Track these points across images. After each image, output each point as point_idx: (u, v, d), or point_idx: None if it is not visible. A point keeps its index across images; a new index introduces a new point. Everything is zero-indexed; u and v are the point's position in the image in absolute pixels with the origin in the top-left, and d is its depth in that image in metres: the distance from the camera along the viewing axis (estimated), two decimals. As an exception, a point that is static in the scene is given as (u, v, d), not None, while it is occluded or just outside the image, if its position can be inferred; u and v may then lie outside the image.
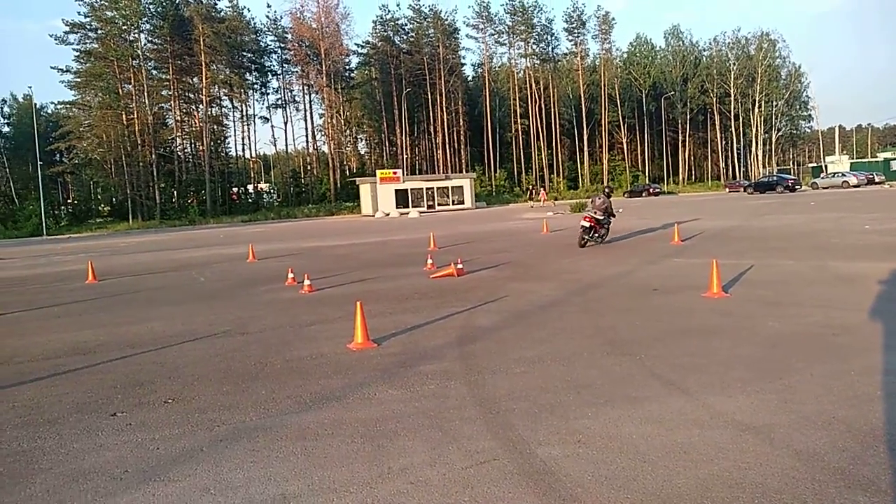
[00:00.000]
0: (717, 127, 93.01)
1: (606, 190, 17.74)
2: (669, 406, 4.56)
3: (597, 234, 16.67)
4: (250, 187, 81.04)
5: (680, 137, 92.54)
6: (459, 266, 12.45)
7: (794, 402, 4.50)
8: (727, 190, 68.24)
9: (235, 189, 74.72)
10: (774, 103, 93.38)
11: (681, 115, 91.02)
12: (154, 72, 67.06)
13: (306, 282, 11.38)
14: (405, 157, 77.59)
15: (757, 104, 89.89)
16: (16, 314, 10.73)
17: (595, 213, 16.61)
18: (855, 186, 52.18)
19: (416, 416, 4.62)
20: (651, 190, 66.47)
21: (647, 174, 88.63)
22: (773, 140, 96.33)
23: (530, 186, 59.15)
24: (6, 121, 70.71)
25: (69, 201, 74.55)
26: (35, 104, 63.39)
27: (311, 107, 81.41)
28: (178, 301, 11.23)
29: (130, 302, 11.51)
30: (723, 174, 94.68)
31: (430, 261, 13.81)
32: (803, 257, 12.27)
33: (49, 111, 76.84)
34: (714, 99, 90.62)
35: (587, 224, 16.43)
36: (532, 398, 4.88)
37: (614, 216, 17.46)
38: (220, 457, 4.03)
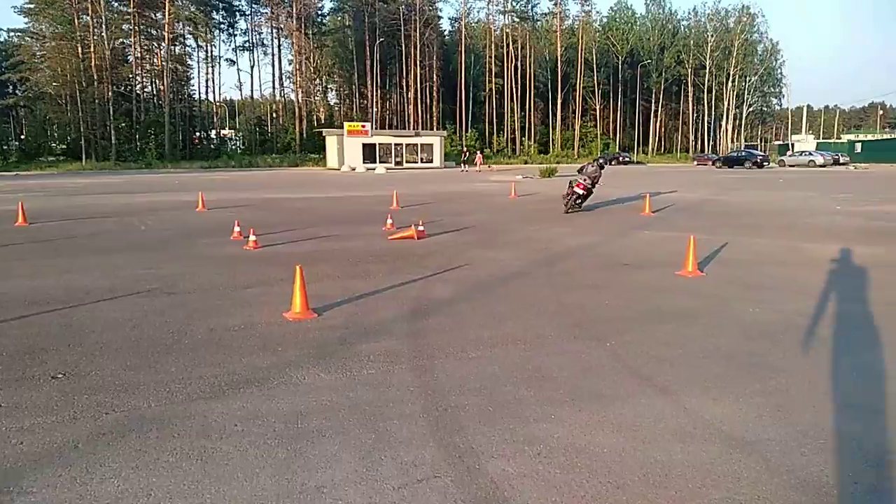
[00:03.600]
0: (690, 99, 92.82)
1: (601, 160, 17.81)
2: (645, 409, 3.91)
3: (580, 201, 16.50)
4: (214, 133, 78.31)
5: (652, 108, 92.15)
6: (420, 228, 11.67)
7: (788, 409, 3.89)
8: (695, 163, 68.26)
9: (198, 134, 72.03)
10: (748, 78, 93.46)
11: (655, 84, 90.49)
12: (114, 3, 63.47)
13: (251, 237, 10.48)
14: (375, 111, 75.65)
15: (731, 78, 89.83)
16: (-78, 257, 9.64)
17: (586, 180, 16.28)
18: (821, 166, 52.54)
19: (348, 410, 3.89)
20: (621, 159, 66.15)
21: (617, 143, 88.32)
22: (744, 115, 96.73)
23: (465, 149, 55.44)
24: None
25: (21, 137, 70.99)
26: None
27: (279, 51, 78.62)
28: (108, 250, 10.24)
29: (55, 249, 10.47)
30: (691, 147, 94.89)
31: (389, 220, 12.99)
32: (776, 236, 11.79)
33: (2, 38, 72.69)
34: (689, 70, 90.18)
35: (581, 192, 16.19)
36: (487, 391, 4.19)
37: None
38: (97, 458, 3.25)
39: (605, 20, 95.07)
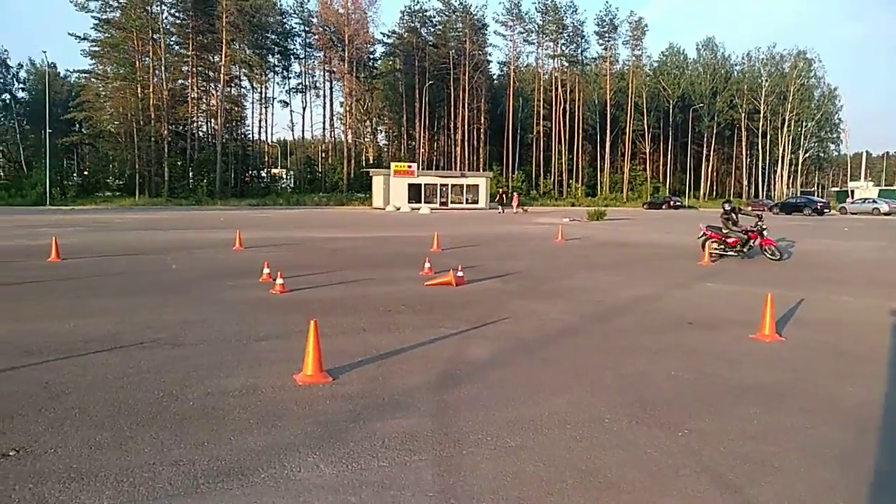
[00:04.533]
0: (744, 143, 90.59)
1: (726, 206, 16.46)
2: (741, 542, 2.89)
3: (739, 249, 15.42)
4: (265, 172, 79.68)
5: (704, 151, 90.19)
6: (459, 274, 10.82)
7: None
8: (750, 208, 65.86)
9: (249, 173, 73.35)
10: (805, 123, 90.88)
11: (707, 128, 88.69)
12: (175, 47, 65.80)
13: (279, 280, 9.78)
14: (422, 151, 76.00)
15: (786, 123, 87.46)
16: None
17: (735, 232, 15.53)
18: (886, 214, 49.90)
19: (344, 525, 2.99)
20: (671, 202, 64.35)
21: (667, 186, 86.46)
22: (800, 161, 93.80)
23: (501, 191, 52.53)
24: (21, 85, 69.47)
25: (84, 173, 73.48)
26: (48, 69, 62.11)
27: (331, 93, 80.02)
28: (129, 291, 9.67)
29: (76, 289, 9.97)
30: (745, 192, 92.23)
31: (427, 265, 12.17)
32: (858, 292, 10.50)
33: (71, 80, 75.90)
34: (742, 114, 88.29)
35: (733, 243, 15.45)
36: (528, 502, 3.24)
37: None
38: None
39: (655, 64, 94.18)
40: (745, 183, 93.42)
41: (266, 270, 10.98)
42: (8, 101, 66.05)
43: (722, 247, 15.41)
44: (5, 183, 58.16)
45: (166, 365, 5.64)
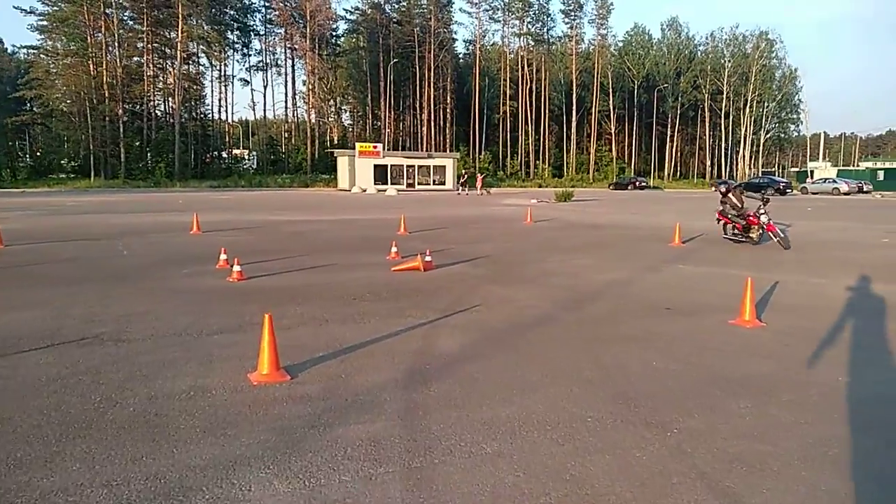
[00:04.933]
0: (707, 124, 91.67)
1: (724, 186, 15.08)
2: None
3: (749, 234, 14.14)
4: (226, 153, 77.84)
5: (668, 132, 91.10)
6: (427, 258, 10.40)
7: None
8: (713, 189, 66.59)
9: (210, 154, 71.53)
10: (766, 104, 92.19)
11: (671, 109, 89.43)
12: (129, 21, 63.45)
13: (236, 267, 9.24)
14: (388, 132, 75.03)
15: (748, 104, 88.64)
16: None
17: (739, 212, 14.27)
18: (846, 194, 50.98)
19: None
20: (637, 183, 64.73)
21: (632, 167, 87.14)
22: (762, 141, 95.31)
23: (464, 172, 51.45)
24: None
25: (35, 154, 70.67)
26: (-5, 46, 59.36)
27: (293, 72, 78.42)
28: (74, 280, 9.03)
29: (15, 278, 9.29)
30: (708, 172, 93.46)
31: (394, 249, 11.72)
32: (832, 274, 10.39)
33: (20, 56, 72.70)
34: (706, 95, 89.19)
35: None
36: (508, 522, 2.87)
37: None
38: None
39: (620, 44, 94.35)
40: (709, 163, 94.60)
41: (223, 256, 10.42)
42: (-49, 79, 62.90)
43: (735, 231, 14.48)
44: (-49, 165, 55.69)
45: (107, 364, 5.13)
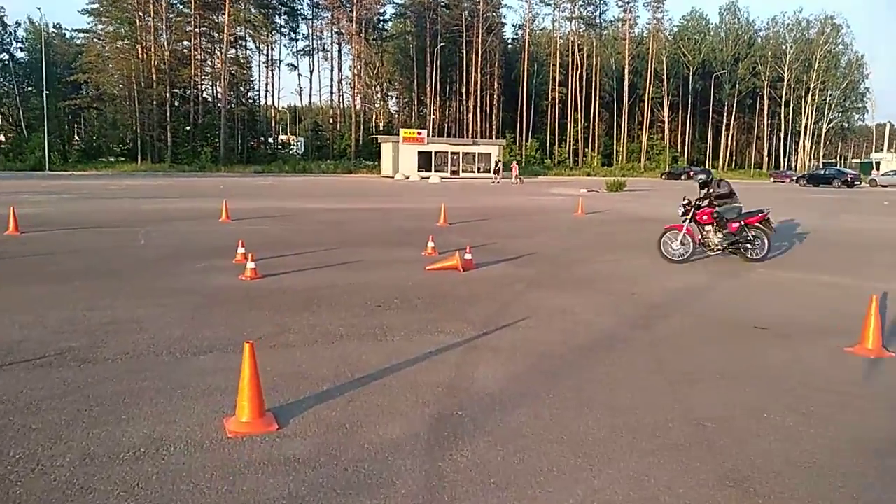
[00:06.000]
0: (765, 112, 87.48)
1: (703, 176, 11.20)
2: None
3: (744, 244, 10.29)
4: (280, 137, 77.74)
5: (724, 120, 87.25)
6: (467, 256, 9.15)
7: None
8: (772, 179, 63.53)
9: (258, 139, 71.44)
10: (829, 92, 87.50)
11: (728, 96, 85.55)
12: (178, 5, 63.44)
13: (249, 264, 8.15)
14: (434, 118, 73.73)
15: (810, 91, 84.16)
16: None
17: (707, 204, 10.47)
18: (920, 187, 47.60)
19: None
20: (691, 173, 61.94)
21: (686, 156, 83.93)
22: (823, 131, 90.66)
23: (499, 159, 48.98)
24: (20, 45, 67.15)
25: (87, 138, 71.72)
26: (44, 27, 60.17)
27: (339, 56, 77.78)
28: (70, 276, 8.08)
29: (11, 273, 8.40)
30: (766, 162, 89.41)
31: (431, 244, 10.49)
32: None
33: (75, 40, 73.56)
34: (765, 83, 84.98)
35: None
36: None
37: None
38: None
39: (676, 29, 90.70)
40: (766, 153, 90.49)
41: (241, 250, 9.35)
42: (7, 62, 64.02)
43: (726, 239, 10.38)
44: (5, 147, 56.73)
45: (55, 397, 4.04)
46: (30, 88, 64.83)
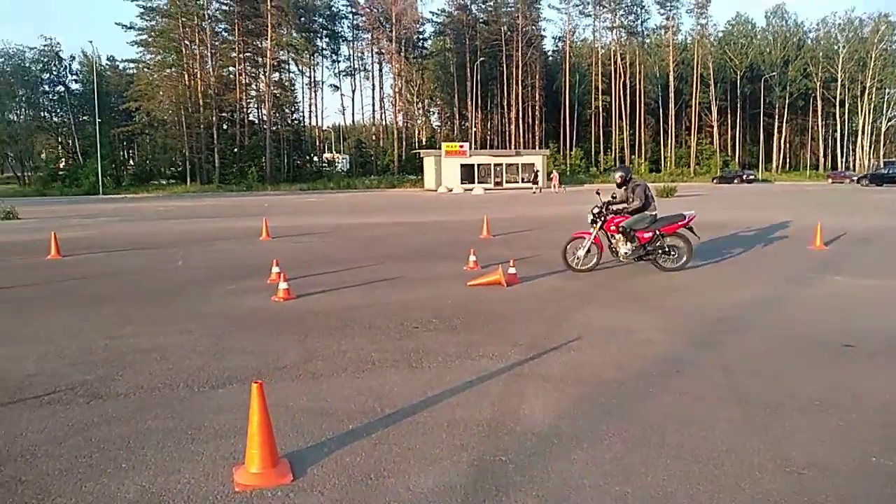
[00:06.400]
0: (819, 113, 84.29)
1: (617, 172, 9.94)
2: None
3: (624, 249, 9.43)
4: (317, 157, 78.67)
5: (776, 123, 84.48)
6: (511, 270, 8.59)
7: None
8: (829, 180, 60.94)
9: (303, 158, 72.37)
10: (888, 90, 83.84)
11: (778, 98, 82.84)
12: (223, 33, 64.96)
13: (282, 285, 7.76)
14: (475, 131, 73.38)
15: (867, 91, 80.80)
16: None
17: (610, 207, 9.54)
18: None
19: None
20: (744, 177, 59.94)
21: (737, 159, 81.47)
22: (883, 129, 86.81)
23: (536, 169, 46.82)
24: (74, 77, 69.90)
25: (139, 162, 73.81)
26: (96, 59, 62.39)
27: (381, 75, 78.32)
28: (102, 300, 7.83)
29: (37, 298, 8.19)
30: (821, 163, 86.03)
31: (472, 257, 9.96)
32: None
33: (126, 70, 76.09)
34: (817, 83, 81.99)
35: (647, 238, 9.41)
36: None
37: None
38: None
39: (721, 34, 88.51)
40: (822, 154, 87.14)
41: (276, 269, 8.99)
42: (63, 94, 66.60)
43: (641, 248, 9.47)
44: (64, 173, 58.70)
45: (54, 441, 3.65)
46: (84, 118, 67.30)
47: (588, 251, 9.37)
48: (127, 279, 9.57)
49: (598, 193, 10.08)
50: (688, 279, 8.85)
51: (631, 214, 9.38)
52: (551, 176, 45.96)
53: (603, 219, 9.37)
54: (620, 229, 9.32)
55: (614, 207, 9.49)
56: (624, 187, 9.62)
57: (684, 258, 9.44)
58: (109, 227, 19.49)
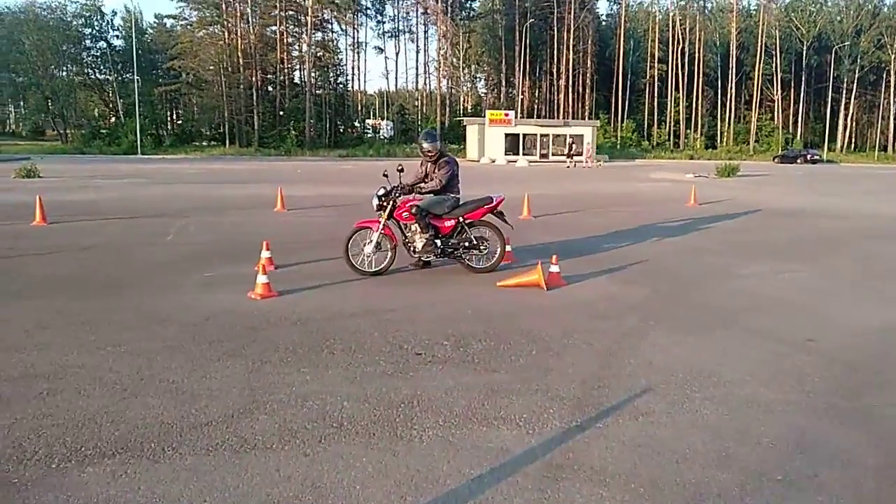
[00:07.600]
0: (892, 89, 78.65)
1: (428, 143, 7.57)
2: None
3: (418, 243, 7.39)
4: (368, 121, 77.17)
5: (843, 99, 79.22)
6: (554, 269, 6.80)
7: None
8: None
9: (345, 122, 70.94)
10: (971, 64, 77.65)
11: (847, 72, 77.45)
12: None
13: (261, 278, 6.12)
14: (522, 98, 70.66)
15: (949, 65, 74.94)
16: None
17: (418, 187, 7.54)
18: None
19: None
20: (809, 156, 56.17)
21: (799, 137, 76.83)
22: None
23: (572, 141, 43.68)
24: (116, 33, 69.16)
25: (178, 123, 73.32)
26: (135, 13, 61.46)
27: (425, 37, 76.02)
28: (51, 286, 6.36)
29: (-22, 279, 6.78)
30: (891, 144, 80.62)
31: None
32: None
33: (168, 26, 75.40)
34: (892, 56, 76.29)
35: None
36: None
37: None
38: None
39: (788, 1, 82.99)
40: (892, 135, 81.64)
41: (266, 254, 7.35)
42: (105, 50, 66.11)
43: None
44: (105, 132, 58.42)
45: None
46: (128, 75, 66.75)
47: (379, 246, 7.31)
48: (95, 257, 8.09)
49: (399, 170, 7.48)
50: (786, 289, 6.92)
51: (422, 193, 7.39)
52: (586, 149, 43.30)
53: (393, 203, 7.32)
54: (413, 212, 7.21)
55: (409, 188, 7.42)
56: (431, 158, 7.53)
57: (497, 253, 7.46)
58: (129, 189, 18.26)
